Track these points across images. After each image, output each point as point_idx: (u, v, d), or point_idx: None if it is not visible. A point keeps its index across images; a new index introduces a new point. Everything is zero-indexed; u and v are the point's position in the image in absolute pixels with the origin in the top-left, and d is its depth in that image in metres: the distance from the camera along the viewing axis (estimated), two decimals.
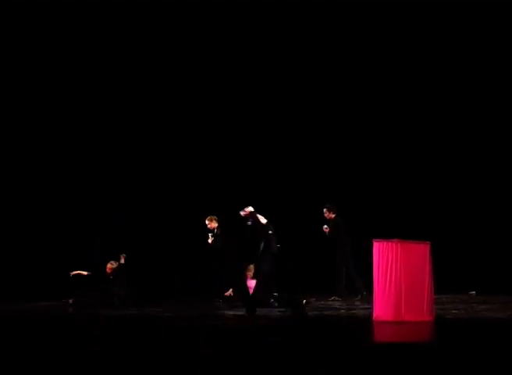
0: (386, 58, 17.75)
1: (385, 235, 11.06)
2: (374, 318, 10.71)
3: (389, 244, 10.71)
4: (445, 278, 13.09)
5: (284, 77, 17.99)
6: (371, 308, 10.91)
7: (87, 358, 7.68)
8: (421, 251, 10.87)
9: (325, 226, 15.34)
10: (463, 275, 16.19)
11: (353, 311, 12.50)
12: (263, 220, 12.94)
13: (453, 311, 12.14)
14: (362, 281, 14.71)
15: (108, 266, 14.72)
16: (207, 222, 14.97)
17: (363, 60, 17.83)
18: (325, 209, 15.50)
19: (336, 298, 14.78)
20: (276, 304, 12.98)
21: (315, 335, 9.66)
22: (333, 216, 15.40)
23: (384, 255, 10.67)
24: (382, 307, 10.69)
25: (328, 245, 15.31)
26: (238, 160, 17.98)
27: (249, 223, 13.02)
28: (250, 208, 12.88)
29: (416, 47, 17.55)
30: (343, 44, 17.73)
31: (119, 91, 17.81)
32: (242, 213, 12.92)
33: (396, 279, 10.60)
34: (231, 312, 12.64)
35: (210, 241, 14.92)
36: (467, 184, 17.50)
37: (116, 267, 14.70)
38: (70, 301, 14.29)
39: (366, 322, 10.67)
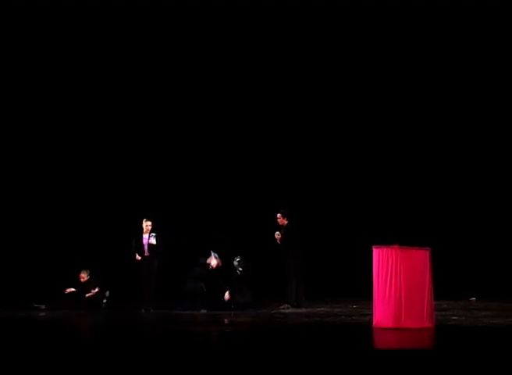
0: (374, 60, 17.81)
1: (385, 241, 11.05)
2: (374, 324, 10.69)
3: (389, 250, 10.70)
4: (445, 284, 13.06)
5: (255, 81, 18.12)
6: (372, 314, 10.89)
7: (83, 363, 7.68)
8: (421, 257, 10.84)
9: (277, 232, 14.75)
10: (463, 281, 16.17)
11: (353, 317, 12.48)
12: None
13: (454, 317, 12.12)
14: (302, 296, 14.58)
15: (82, 275, 15.14)
16: (149, 223, 14.73)
17: (352, 62, 17.88)
18: (278, 215, 14.80)
19: (287, 306, 14.35)
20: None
21: (316, 341, 9.64)
22: (286, 222, 14.78)
23: (384, 261, 10.65)
24: (382, 313, 10.67)
25: (279, 252, 14.75)
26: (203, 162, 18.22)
27: None
28: None
29: (410, 48, 17.59)
30: (325, 48, 17.81)
31: (108, 110, 18.10)
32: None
33: (396, 285, 10.59)
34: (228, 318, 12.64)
35: (155, 241, 14.69)
36: (467, 191, 17.51)
37: (88, 277, 15.12)
38: (43, 306, 14.49)
39: (366, 328, 10.65)
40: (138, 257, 14.55)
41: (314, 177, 18.03)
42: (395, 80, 17.79)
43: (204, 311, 14.03)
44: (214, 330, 11.28)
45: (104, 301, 14.72)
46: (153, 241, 14.62)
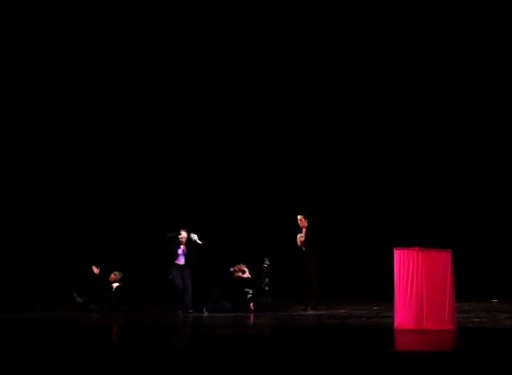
0: (379, 60, 17.76)
1: (406, 243, 11.05)
2: (395, 326, 10.69)
3: (410, 252, 10.70)
4: (466, 286, 13.01)
5: (261, 83, 18.13)
6: (393, 316, 10.89)
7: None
8: (442, 259, 10.83)
9: (300, 234, 14.55)
10: (485, 283, 16.10)
11: (374, 319, 12.47)
12: None
13: (475, 319, 12.08)
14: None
15: (112, 276, 15.29)
16: (185, 233, 14.58)
17: (353, 64, 17.86)
18: (300, 216, 14.61)
19: (310, 309, 14.20)
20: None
21: (337, 343, 9.66)
22: (307, 224, 14.59)
23: (405, 263, 10.66)
24: (404, 315, 10.67)
25: (299, 255, 14.54)
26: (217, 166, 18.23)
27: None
28: None
29: (414, 48, 17.54)
30: (332, 48, 17.80)
31: (104, 112, 18.21)
32: None
33: (418, 287, 10.59)
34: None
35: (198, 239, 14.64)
36: (488, 193, 17.44)
37: (119, 277, 15.28)
38: (79, 299, 14.75)
39: (387, 330, 10.64)
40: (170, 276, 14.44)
41: (335, 180, 18.03)
42: (406, 84, 17.73)
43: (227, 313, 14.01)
44: (236, 332, 11.31)
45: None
46: (195, 237, 14.46)
